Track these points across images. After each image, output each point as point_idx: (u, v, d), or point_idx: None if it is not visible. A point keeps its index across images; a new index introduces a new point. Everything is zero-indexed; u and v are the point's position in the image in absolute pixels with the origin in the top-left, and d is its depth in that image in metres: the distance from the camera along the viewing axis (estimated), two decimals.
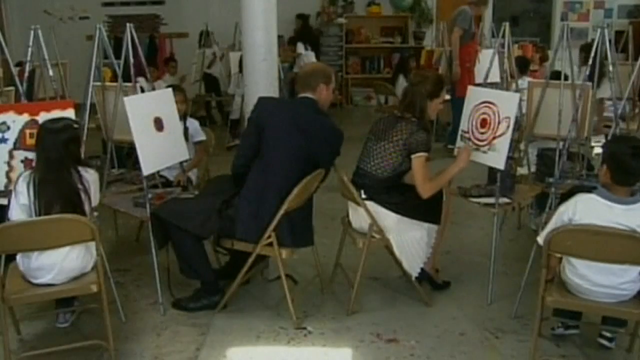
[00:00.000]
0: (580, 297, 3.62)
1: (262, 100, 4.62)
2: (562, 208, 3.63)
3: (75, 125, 4.07)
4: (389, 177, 4.41)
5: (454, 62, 8.85)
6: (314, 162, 4.36)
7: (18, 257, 3.87)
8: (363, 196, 4.39)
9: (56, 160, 3.80)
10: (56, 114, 4.31)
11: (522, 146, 5.52)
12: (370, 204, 4.38)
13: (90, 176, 3.96)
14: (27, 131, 4.22)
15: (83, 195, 3.87)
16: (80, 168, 3.91)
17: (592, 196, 3.54)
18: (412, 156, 4.34)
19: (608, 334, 3.99)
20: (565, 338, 4.10)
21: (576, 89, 4.81)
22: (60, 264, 3.76)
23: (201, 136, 5.85)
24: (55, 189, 3.76)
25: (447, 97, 9.97)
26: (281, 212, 4.15)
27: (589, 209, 3.49)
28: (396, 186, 4.44)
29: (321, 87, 4.47)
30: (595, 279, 3.51)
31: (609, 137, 4.74)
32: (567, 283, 3.66)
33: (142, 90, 5.44)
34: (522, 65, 7.70)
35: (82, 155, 4.19)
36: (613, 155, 3.52)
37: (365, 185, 4.43)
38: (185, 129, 5.54)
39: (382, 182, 4.41)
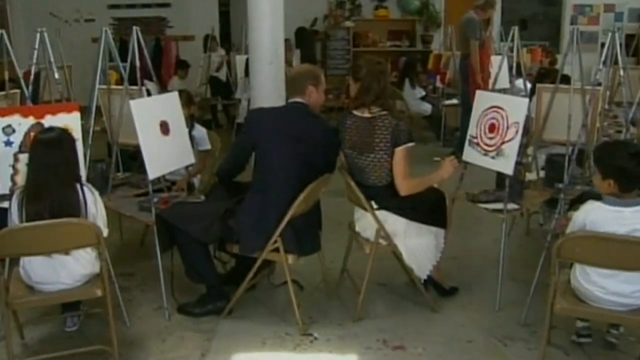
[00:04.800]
0: (591, 304, 3.60)
1: (251, 113, 4.68)
2: (574, 218, 3.63)
3: (76, 137, 4.07)
4: (391, 182, 4.37)
5: (477, 76, 8.69)
6: (314, 167, 4.36)
7: (20, 270, 3.86)
8: (375, 206, 4.36)
9: (49, 175, 3.74)
10: (62, 116, 4.33)
11: (529, 151, 5.51)
12: (381, 213, 4.36)
13: (90, 196, 3.88)
14: (33, 134, 4.22)
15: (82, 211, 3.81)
16: (82, 185, 3.87)
17: (600, 205, 3.53)
18: (396, 149, 4.26)
19: (611, 339, 4.01)
20: (575, 346, 4.08)
21: (586, 93, 4.79)
22: (62, 277, 3.78)
23: (207, 145, 5.81)
24: (46, 206, 3.70)
25: (456, 101, 10.04)
26: (287, 217, 4.15)
27: (599, 219, 3.48)
28: None
29: (310, 89, 4.42)
30: (608, 287, 3.50)
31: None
32: (578, 290, 3.64)
33: (150, 94, 5.45)
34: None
35: (86, 159, 4.18)
36: (616, 168, 3.50)
37: (373, 196, 4.38)
38: (191, 137, 5.52)
39: (388, 189, 4.38)
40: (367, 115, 4.35)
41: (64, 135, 3.92)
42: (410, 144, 4.29)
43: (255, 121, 4.50)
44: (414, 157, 4.41)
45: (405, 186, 4.32)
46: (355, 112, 4.42)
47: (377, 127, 4.29)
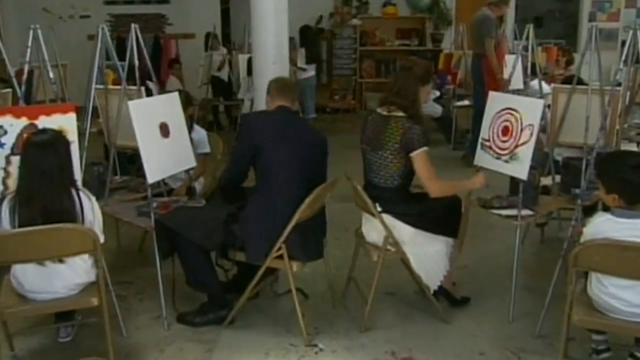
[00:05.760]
0: (610, 316, 3.57)
1: (247, 117, 4.80)
2: (584, 232, 3.63)
3: (71, 139, 4.08)
4: (400, 184, 4.41)
5: (497, 76, 8.67)
6: (315, 168, 4.45)
7: (12, 278, 3.86)
8: (379, 209, 4.39)
9: (42, 180, 3.74)
10: (57, 117, 4.32)
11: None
12: (385, 217, 4.38)
13: (87, 201, 3.89)
14: (26, 136, 4.22)
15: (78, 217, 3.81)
16: (78, 190, 3.88)
17: (609, 217, 3.53)
18: (412, 154, 4.31)
19: (638, 354, 3.96)
20: None
21: (605, 94, 4.78)
22: (56, 285, 3.78)
23: (206, 148, 5.84)
24: (39, 211, 3.70)
25: (468, 102, 10.02)
26: (292, 223, 4.16)
27: (610, 233, 3.47)
28: (413, 196, 4.47)
29: (296, 101, 4.69)
30: (626, 298, 3.47)
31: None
32: (595, 301, 3.62)
33: (152, 94, 5.46)
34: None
35: (82, 162, 4.19)
36: (619, 181, 3.51)
37: (379, 198, 4.42)
38: (190, 139, 5.52)
39: (396, 191, 4.42)
40: (385, 113, 4.45)
41: (57, 137, 3.91)
42: (425, 148, 4.33)
43: (253, 124, 4.53)
44: None
45: (433, 188, 4.37)
46: (379, 110, 4.53)
47: (389, 126, 4.36)
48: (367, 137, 4.51)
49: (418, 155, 4.31)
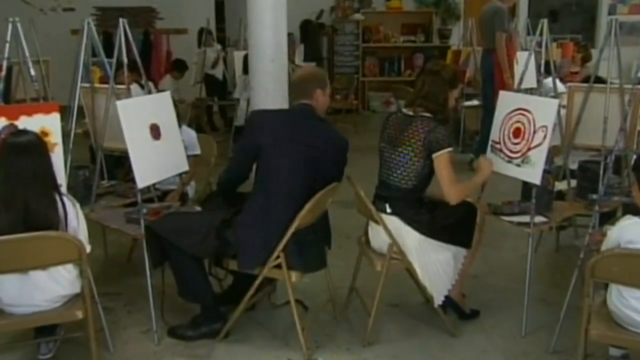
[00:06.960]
0: (632, 331, 3.53)
1: (254, 115, 4.75)
2: (608, 235, 3.61)
3: (55, 141, 4.06)
4: (415, 186, 4.42)
5: (505, 74, 8.66)
6: (321, 175, 4.37)
7: None
8: (388, 211, 4.40)
9: (19, 185, 3.72)
10: (39, 118, 4.31)
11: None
12: (393, 220, 4.39)
13: (71, 207, 3.89)
14: (3, 137, 4.19)
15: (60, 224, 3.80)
16: (62, 195, 3.87)
17: (638, 221, 3.50)
18: (434, 155, 4.33)
19: None
20: None
21: (625, 93, 4.76)
22: (37, 299, 3.76)
23: (196, 150, 5.82)
24: (19, 217, 3.69)
25: (477, 102, 10.00)
26: (291, 229, 4.15)
27: (637, 237, 3.45)
28: (425, 203, 4.48)
29: (317, 92, 4.48)
30: None
31: None
32: (616, 314, 3.59)
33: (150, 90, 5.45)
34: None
35: (67, 165, 4.17)
36: None
37: (390, 199, 4.44)
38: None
39: (409, 193, 4.43)
40: (410, 113, 4.49)
41: (34, 141, 3.90)
42: (449, 149, 4.36)
43: (259, 123, 4.51)
44: None
45: (453, 193, 4.38)
46: (404, 110, 4.60)
47: (415, 124, 4.41)
48: (388, 135, 4.55)
49: (441, 156, 4.33)
